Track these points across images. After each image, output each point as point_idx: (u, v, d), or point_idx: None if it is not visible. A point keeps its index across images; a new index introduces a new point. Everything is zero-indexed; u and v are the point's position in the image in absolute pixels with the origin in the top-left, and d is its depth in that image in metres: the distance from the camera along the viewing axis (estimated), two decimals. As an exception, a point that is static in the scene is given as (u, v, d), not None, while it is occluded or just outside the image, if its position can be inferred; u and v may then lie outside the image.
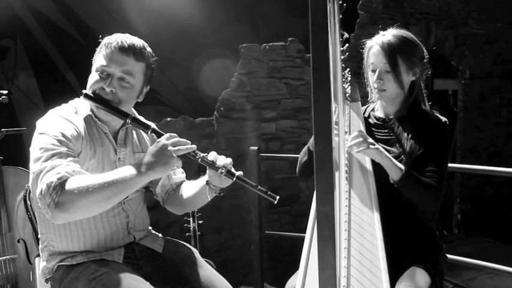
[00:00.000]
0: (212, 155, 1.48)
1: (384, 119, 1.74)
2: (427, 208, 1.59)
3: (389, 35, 1.66)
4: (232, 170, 1.48)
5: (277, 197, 1.46)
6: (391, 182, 1.55)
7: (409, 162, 1.60)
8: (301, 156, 1.83)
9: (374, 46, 1.67)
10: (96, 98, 1.48)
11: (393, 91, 1.67)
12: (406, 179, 1.52)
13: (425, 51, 1.71)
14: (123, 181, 1.32)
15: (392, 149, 1.65)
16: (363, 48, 1.74)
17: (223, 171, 1.45)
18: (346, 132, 1.68)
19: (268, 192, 1.46)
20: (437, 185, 1.56)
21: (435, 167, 1.58)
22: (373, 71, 1.68)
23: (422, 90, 1.73)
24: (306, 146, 1.81)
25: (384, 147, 1.62)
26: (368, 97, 1.83)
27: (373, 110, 1.82)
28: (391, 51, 1.62)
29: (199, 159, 1.44)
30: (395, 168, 1.53)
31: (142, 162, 1.35)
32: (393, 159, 1.55)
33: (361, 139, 1.53)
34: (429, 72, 1.74)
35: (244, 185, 1.47)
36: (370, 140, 1.55)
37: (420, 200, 1.57)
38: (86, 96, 1.48)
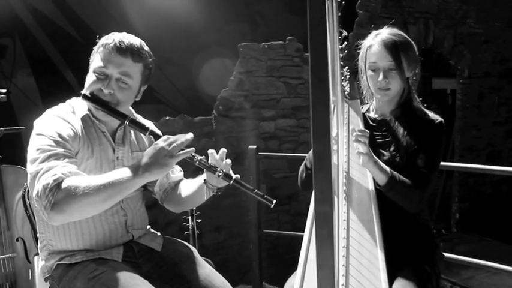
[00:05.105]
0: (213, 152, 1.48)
1: (379, 120, 1.72)
2: (409, 209, 1.58)
3: (386, 33, 1.64)
4: (230, 172, 1.48)
5: (274, 201, 1.45)
6: (377, 187, 1.54)
7: (404, 159, 1.60)
8: (300, 172, 1.79)
9: (374, 45, 1.63)
10: (94, 99, 1.47)
11: (397, 89, 1.64)
12: (392, 184, 1.51)
13: (416, 48, 1.69)
14: (120, 183, 1.32)
15: (387, 151, 1.63)
16: (358, 49, 1.70)
17: (220, 174, 1.45)
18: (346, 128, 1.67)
19: (265, 196, 1.46)
20: (422, 187, 1.55)
21: (424, 166, 1.57)
22: (374, 70, 1.63)
23: (411, 86, 1.71)
24: (303, 163, 1.77)
25: (379, 149, 1.62)
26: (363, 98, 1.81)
27: (367, 111, 1.79)
28: (395, 48, 1.59)
29: (197, 162, 1.44)
30: (380, 174, 1.51)
31: (140, 164, 1.35)
32: (379, 163, 1.52)
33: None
34: (418, 69, 1.71)
35: (241, 188, 1.47)
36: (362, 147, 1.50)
37: (403, 201, 1.56)
38: (84, 97, 1.47)
